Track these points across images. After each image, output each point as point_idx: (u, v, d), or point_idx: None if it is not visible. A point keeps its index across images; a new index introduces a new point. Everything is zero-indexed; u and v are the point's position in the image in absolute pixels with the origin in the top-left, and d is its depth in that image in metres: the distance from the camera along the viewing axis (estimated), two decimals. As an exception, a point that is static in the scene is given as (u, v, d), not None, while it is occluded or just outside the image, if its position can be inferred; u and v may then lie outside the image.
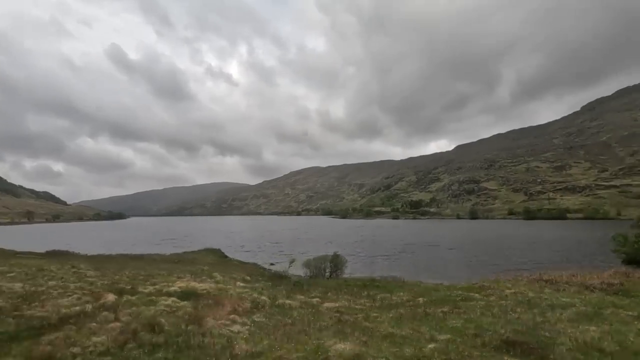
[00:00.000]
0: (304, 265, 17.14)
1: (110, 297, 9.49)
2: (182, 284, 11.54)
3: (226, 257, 26.43)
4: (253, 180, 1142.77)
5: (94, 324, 7.04)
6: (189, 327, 6.54)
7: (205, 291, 10.10)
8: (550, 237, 49.84)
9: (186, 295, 9.55)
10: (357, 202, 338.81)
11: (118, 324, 6.89)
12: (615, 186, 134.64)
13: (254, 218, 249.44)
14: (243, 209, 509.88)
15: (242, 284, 12.41)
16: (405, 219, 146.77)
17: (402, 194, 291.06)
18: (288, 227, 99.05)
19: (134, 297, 9.86)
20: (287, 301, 8.92)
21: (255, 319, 7.10)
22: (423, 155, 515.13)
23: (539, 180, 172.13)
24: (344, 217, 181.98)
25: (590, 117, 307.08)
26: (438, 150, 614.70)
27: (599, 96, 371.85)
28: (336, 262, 17.51)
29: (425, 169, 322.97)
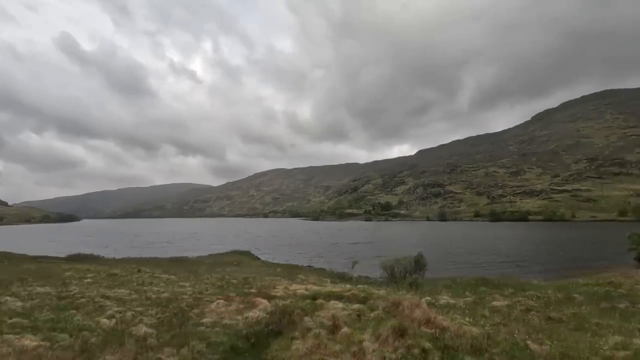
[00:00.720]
0: (382, 265, 16.89)
1: (265, 302, 8.75)
2: (300, 286, 10.96)
3: (259, 259, 25.47)
4: (216, 182, 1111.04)
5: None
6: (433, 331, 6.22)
7: (350, 294, 9.63)
8: (560, 238, 53.12)
9: (338, 297, 9.08)
10: (324, 204, 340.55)
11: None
12: (567, 190, 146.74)
13: (222, 220, 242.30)
14: (206, 211, 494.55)
15: (349, 285, 12.01)
16: (378, 220, 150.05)
17: (369, 197, 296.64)
18: (270, 231, 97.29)
19: (287, 301, 9.04)
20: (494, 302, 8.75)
21: (482, 321, 6.90)
22: (387, 159, 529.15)
23: (499, 184, 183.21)
24: (315, 219, 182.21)
25: (539, 126, 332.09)
26: (401, 155, 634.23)
27: (547, 107, 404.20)
28: (420, 262, 17.47)
29: (391, 172, 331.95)
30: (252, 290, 10.29)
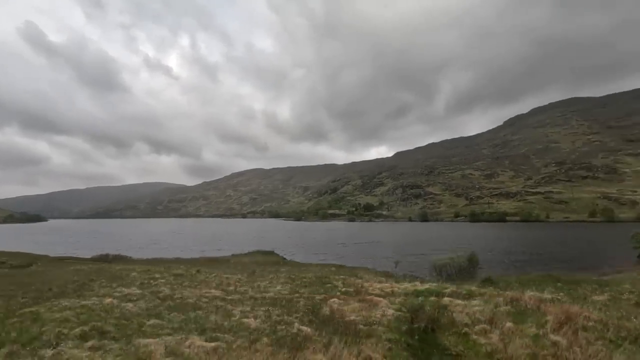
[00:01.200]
0: (434, 264, 17.25)
1: (383, 301, 8.83)
2: (386, 285, 11.12)
3: (285, 258, 25.30)
4: (191, 181, 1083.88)
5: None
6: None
7: (449, 290, 9.91)
8: (562, 238, 55.38)
9: (449, 295, 9.33)
10: (304, 205, 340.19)
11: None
12: (540, 193, 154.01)
13: (202, 221, 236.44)
14: (181, 211, 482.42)
15: (429, 284, 12.29)
16: (361, 221, 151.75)
17: (348, 197, 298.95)
18: (265, 231, 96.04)
19: (408, 299, 9.11)
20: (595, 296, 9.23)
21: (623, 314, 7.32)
22: (365, 160, 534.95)
23: (477, 186, 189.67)
24: (298, 220, 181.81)
25: (511, 131, 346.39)
26: (378, 156, 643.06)
27: (518, 112, 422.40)
28: (473, 260, 17.94)
29: (370, 174, 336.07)
30: (349, 289, 10.37)
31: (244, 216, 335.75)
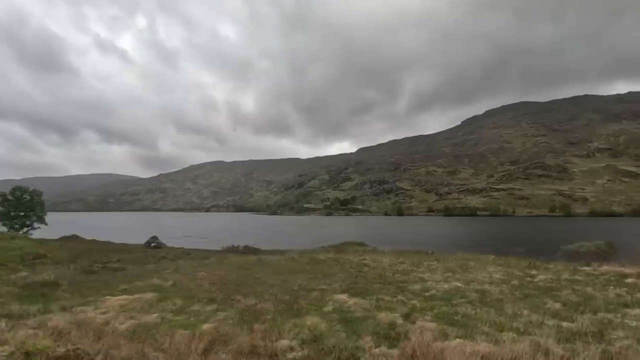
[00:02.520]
0: (565, 252, 18.02)
1: None
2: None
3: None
4: (145, 173, 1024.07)
5: None
6: None
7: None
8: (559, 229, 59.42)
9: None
10: (269, 199, 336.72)
11: None
12: (503, 189, 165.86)
13: (175, 215, 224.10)
14: (135, 205, 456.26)
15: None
16: (339, 215, 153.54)
17: (316, 192, 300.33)
18: (267, 225, 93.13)
19: None
20: None
21: None
22: (329, 156, 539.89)
23: (445, 182, 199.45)
24: (273, 214, 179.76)
25: (468, 131, 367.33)
26: (341, 152, 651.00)
27: (473, 114, 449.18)
28: (612, 247, 18.92)
29: (337, 169, 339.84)
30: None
31: (207, 210, 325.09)
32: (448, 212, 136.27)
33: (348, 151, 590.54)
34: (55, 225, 49.60)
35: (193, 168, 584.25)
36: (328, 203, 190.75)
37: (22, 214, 39.75)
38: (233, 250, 20.06)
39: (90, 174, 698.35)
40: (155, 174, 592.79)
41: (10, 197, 39.18)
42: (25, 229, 39.09)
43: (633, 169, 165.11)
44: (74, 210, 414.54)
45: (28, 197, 40.36)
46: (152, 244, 22.68)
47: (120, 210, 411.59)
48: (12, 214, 39.12)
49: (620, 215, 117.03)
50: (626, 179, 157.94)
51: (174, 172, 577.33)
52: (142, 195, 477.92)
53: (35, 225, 41.06)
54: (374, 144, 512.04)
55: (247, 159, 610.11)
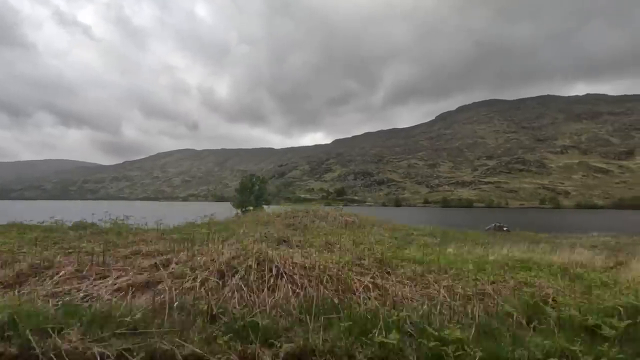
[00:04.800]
0: None
1: None
2: None
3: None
4: (107, 160, 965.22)
5: None
6: None
7: None
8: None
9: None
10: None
11: None
12: (491, 182, 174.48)
13: (154, 204, 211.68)
14: (99, 193, 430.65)
15: None
16: (337, 205, 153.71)
17: (297, 182, 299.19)
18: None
19: None
20: None
21: None
22: (305, 146, 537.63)
23: (435, 175, 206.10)
24: (267, 204, 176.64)
25: (444, 125, 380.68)
26: (314, 142, 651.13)
27: (446, 109, 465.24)
28: None
29: (318, 160, 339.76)
30: None
31: (184, 199, 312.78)
32: (445, 204, 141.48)
33: (322, 142, 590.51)
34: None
35: (161, 155, 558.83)
36: (324, 193, 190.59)
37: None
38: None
39: (45, 160, 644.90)
40: (118, 161, 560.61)
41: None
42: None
43: (603, 166, 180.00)
44: (30, 198, 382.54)
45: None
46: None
47: (83, 199, 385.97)
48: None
49: (602, 207, 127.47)
50: (599, 175, 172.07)
51: (141, 159, 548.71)
52: (106, 183, 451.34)
53: None
54: (348, 136, 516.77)
55: (219, 148, 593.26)
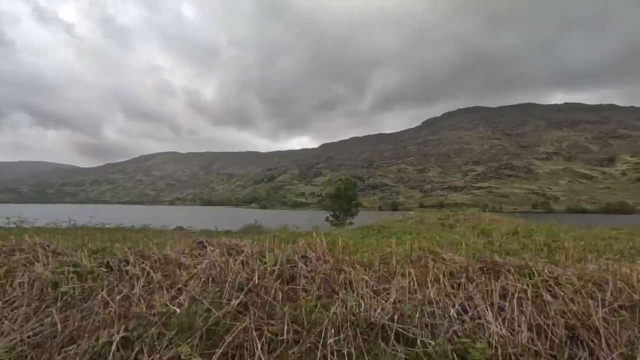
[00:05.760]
0: None
1: None
2: None
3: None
4: (87, 162, 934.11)
5: None
6: None
7: None
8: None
9: None
10: (237, 193, 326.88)
11: None
12: (482, 187, 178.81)
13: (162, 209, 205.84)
14: (79, 196, 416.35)
15: None
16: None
17: (287, 186, 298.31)
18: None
19: None
20: None
21: None
22: (292, 150, 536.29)
23: (427, 180, 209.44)
24: (264, 208, 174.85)
25: (430, 131, 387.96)
26: (300, 147, 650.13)
27: (431, 115, 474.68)
28: None
29: (307, 164, 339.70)
30: None
31: (171, 203, 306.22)
32: (441, 208, 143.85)
33: (308, 146, 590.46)
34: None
35: (144, 158, 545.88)
36: (320, 197, 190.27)
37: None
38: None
39: (20, 162, 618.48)
40: (98, 164, 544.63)
41: None
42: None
43: (587, 172, 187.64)
44: (4, 201, 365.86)
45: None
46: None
47: (62, 202, 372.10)
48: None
49: (591, 212, 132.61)
50: (583, 181, 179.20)
51: (123, 162, 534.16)
52: (86, 186, 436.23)
53: None
54: (335, 140, 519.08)
55: (204, 151, 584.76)
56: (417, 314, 2.67)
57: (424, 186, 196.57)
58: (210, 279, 3.12)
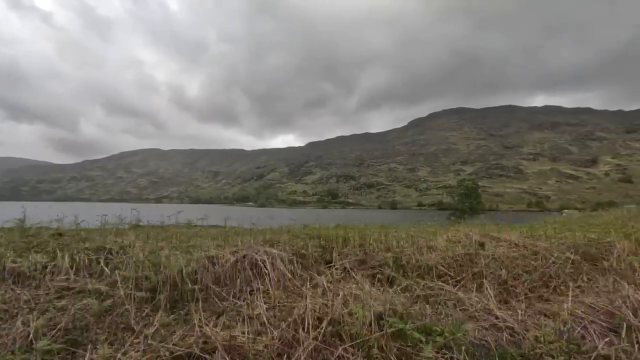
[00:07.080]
0: None
1: None
2: None
3: None
4: (62, 159, 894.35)
5: None
6: None
7: None
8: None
9: None
10: (225, 191, 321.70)
11: None
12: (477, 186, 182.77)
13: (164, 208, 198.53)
14: (57, 194, 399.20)
15: None
16: (334, 208, 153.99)
17: (277, 184, 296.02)
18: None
19: None
20: None
21: None
22: (278, 148, 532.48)
23: (422, 179, 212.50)
24: (262, 206, 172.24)
25: (417, 131, 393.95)
26: (284, 145, 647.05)
27: (417, 115, 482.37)
28: None
29: (297, 162, 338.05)
30: None
31: (157, 201, 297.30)
32: (441, 207, 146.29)
33: (294, 144, 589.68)
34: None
35: (125, 155, 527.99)
36: (319, 196, 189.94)
37: None
38: None
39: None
40: (75, 160, 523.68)
41: None
42: None
43: (573, 172, 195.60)
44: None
45: None
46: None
47: (37, 200, 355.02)
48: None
49: (584, 210, 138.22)
50: (570, 181, 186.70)
51: (103, 158, 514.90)
52: (64, 183, 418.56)
53: None
54: (321, 139, 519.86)
55: (187, 148, 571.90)
56: None
57: (419, 185, 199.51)
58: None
